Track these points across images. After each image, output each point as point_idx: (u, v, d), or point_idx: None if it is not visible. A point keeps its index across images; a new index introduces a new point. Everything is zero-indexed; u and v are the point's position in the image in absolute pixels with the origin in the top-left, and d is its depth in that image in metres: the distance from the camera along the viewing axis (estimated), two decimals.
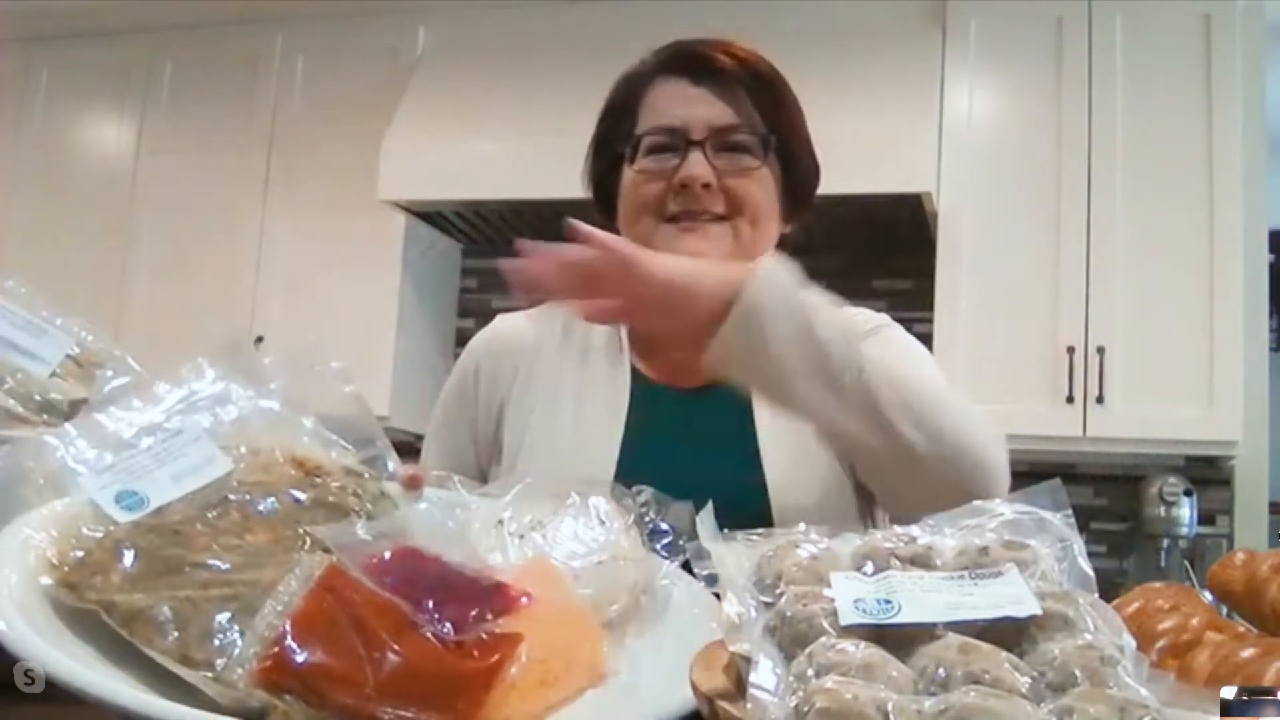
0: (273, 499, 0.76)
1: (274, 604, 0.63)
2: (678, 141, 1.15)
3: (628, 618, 0.79)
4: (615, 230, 1.24)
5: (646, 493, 0.88)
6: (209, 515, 0.73)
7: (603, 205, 1.26)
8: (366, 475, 0.85)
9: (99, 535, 0.70)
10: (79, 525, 0.70)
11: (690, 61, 1.19)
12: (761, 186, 1.17)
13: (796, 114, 1.22)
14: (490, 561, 0.77)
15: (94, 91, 3.66)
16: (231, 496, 0.75)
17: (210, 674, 0.61)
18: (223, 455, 0.78)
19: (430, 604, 0.65)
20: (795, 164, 1.21)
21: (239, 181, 3.42)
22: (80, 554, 0.68)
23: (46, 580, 0.67)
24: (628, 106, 1.21)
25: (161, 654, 0.63)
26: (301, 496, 0.77)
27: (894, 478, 1.01)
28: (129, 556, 0.67)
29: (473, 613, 0.66)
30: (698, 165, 1.13)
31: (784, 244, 1.27)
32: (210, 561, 0.68)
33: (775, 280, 0.92)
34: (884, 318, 1.24)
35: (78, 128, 3.68)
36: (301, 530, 0.73)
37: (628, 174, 1.19)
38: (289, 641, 0.60)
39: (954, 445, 0.95)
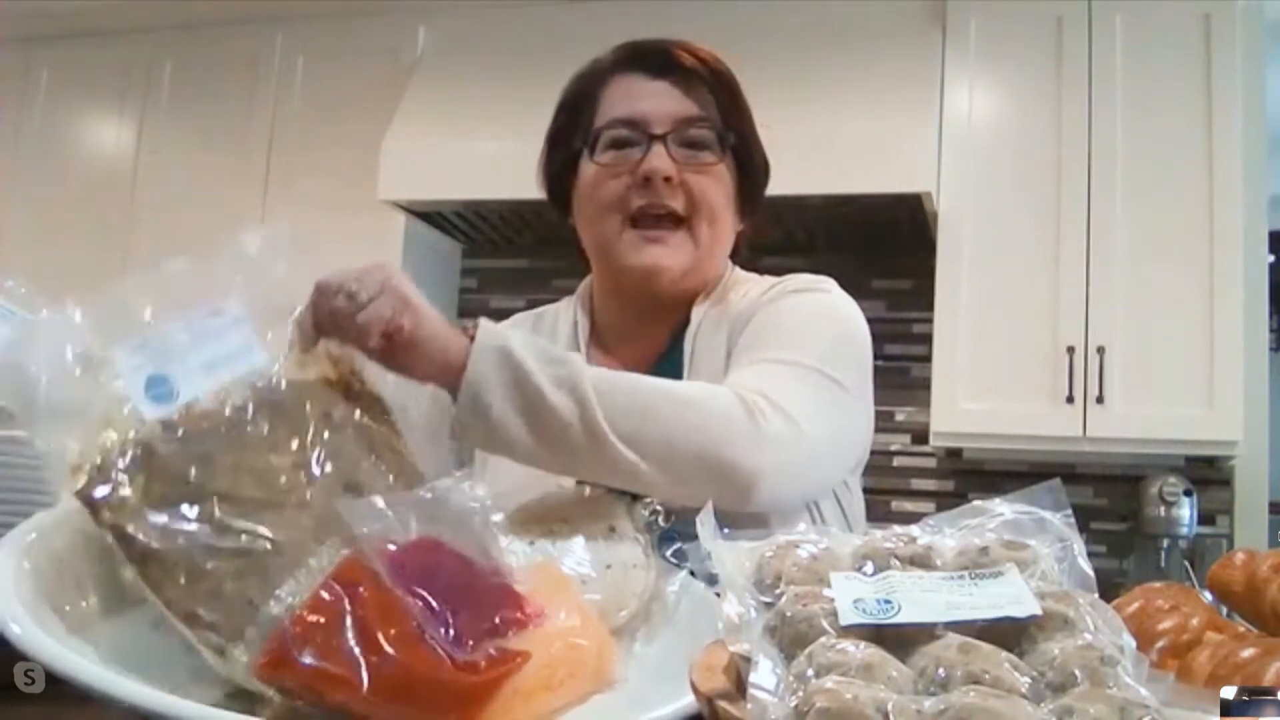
0: (305, 406, 0.73)
1: (285, 592, 0.63)
2: (639, 135, 1.15)
3: (636, 625, 0.79)
4: (571, 226, 1.25)
5: (656, 501, 0.88)
6: (236, 426, 0.71)
7: (558, 202, 1.26)
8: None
9: (123, 439, 0.68)
10: (103, 425, 0.69)
11: (650, 56, 1.19)
12: (719, 184, 1.18)
13: (749, 114, 1.23)
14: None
15: (94, 91, 3.66)
16: (262, 401, 0.73)
17: (212, 645, 0.60)
18: (260, 349, 0.77)
19: (443, 609, 0.64)
20: (750, 162, 1.22)
21: (239, 181, 3.42)
22: (99, 461, 0.67)
23: (66, 494, 0.65)
24: (585, 101, 1.21)
25: (168, 603, 0.62)
26: (333, 413, 0.75)
27: (656, 495, 0.96)
28: (149, 472, 0.66)
29: (484, 625, 0.65)
30: (660, 159, 1.14)
31: (740, 242, 1.27)
32: (229, 491, 0.67)
33: (493, 355, 0.90)
34: (804, 281, 1.21)
35: (78, 128, 3.68)
36: (325, 465, 0.71)
37: (587, 169, 1.19)
38: (290, 638, 0.60)
39: (690, 467, 0.93)
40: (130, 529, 0.64)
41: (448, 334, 0.90)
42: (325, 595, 0.62)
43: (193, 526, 0.65)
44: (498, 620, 0.66)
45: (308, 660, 0.59)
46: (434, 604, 0.64)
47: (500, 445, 0.91)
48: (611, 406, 0.91)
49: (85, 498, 0.65)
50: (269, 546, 0.66)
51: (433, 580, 0.66)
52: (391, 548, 0.67)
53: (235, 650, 0.61)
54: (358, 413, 0.78)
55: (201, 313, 0.77)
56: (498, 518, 0.84)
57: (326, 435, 0.74)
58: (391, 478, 0.78)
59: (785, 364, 1.05)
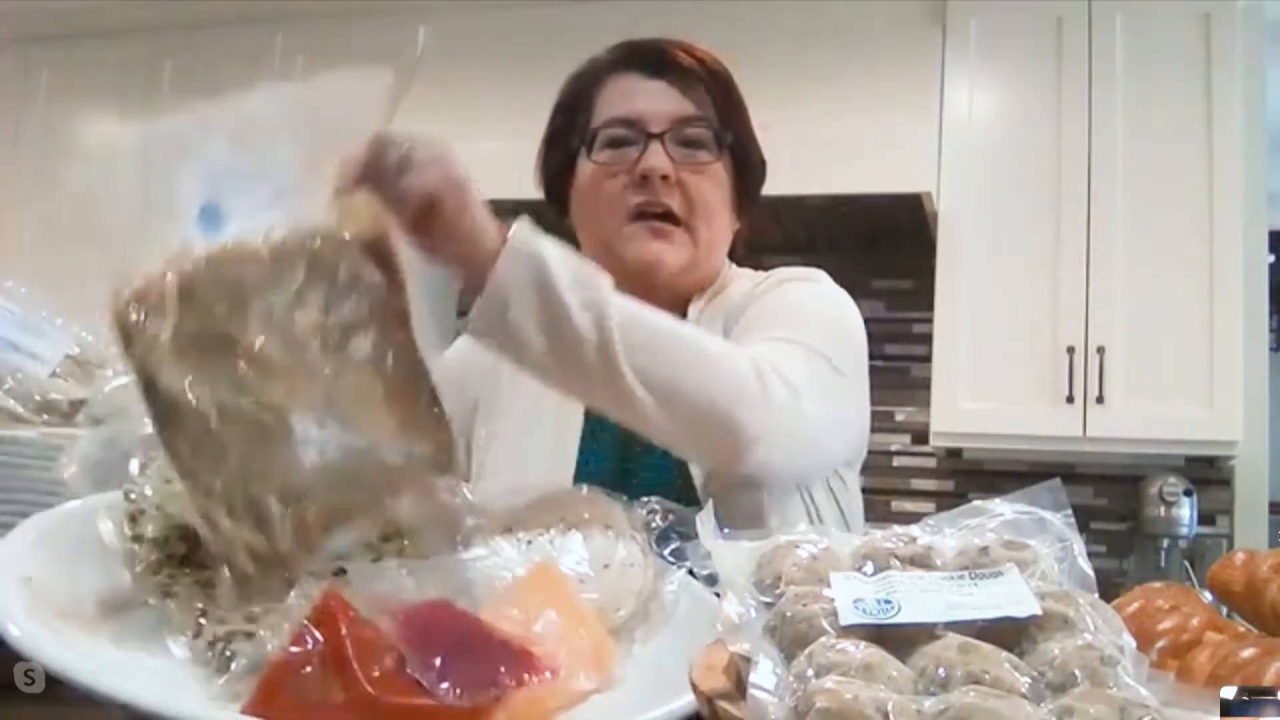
0: (339, 263, 0.73)
1: (270, 630, 0.63)
2: (636, 134, 1.16)
3: (635, 624, 0.78)
4: (569, 226, 1.25)
5: (654, 500, 0.88)
6: (274, 273, 0.70)
7: (555, 203, 1.26)
8: None
9: (166, 269, 0.67)
10: (150, 250, 0.68)
11: (647, 56, 1.20)
12: (715, 183, 1.18)
13: (746, 114, 1.23)
14: (498, 569, 0.76)
15: (94, 91, 3.66)
16: (301, 249, 0.72)
17: (204, 510, 0.62)
18: (314, 192, 0.76)
19: (437, 655, 0.63)
20: (746, 161, 1.22)
21: None
22: (140, 288, 0.67)
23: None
24: (582, 101, 1.21)
25: (173, 452, 0.63)
26: (362, 277, 0.74)
27: (655, 436, 0.97)
28: (184, 308, 0.66)
29: (484, 676, 0.64)
30: (657, 157, 1.14)
31: (738, 241, 1.27)
32: (254, 347, 0.67)
33: (524, 259, 0.87)
34: (797, 272, 1.21)
35: (78, 128, 3.68)
36: (342, 330, 0.72)
37: (585, 168, 1.19)
38: (273, 679, 0.60)
39: (694, 414, 0.92)
40: (155, 367, 0.64)
41: (486, 227, 0.87)
42: (312, 631, 0.61)
43: (215, 381, 0.65)
44: (501, 671, 0.65)
45: (289, 698, 0.59)
46: (427, 649, 0.63)
47: (512, 351, 0.89)
48: (631, 339, 0.89)
49: (120, 323, 0.65)
50: (275, 420, 0.67)
51: (436, 634, 0.64)
52: (399, 603, 0.66)
53: (225, 521, 0.62)
54: (383, 281, 0.76)
55: (269, 147, 0.76)
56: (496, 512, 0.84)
57: (351, 299, 0.74)
58: (390, 360, 0.77)
59: (788, 342, 1.05)
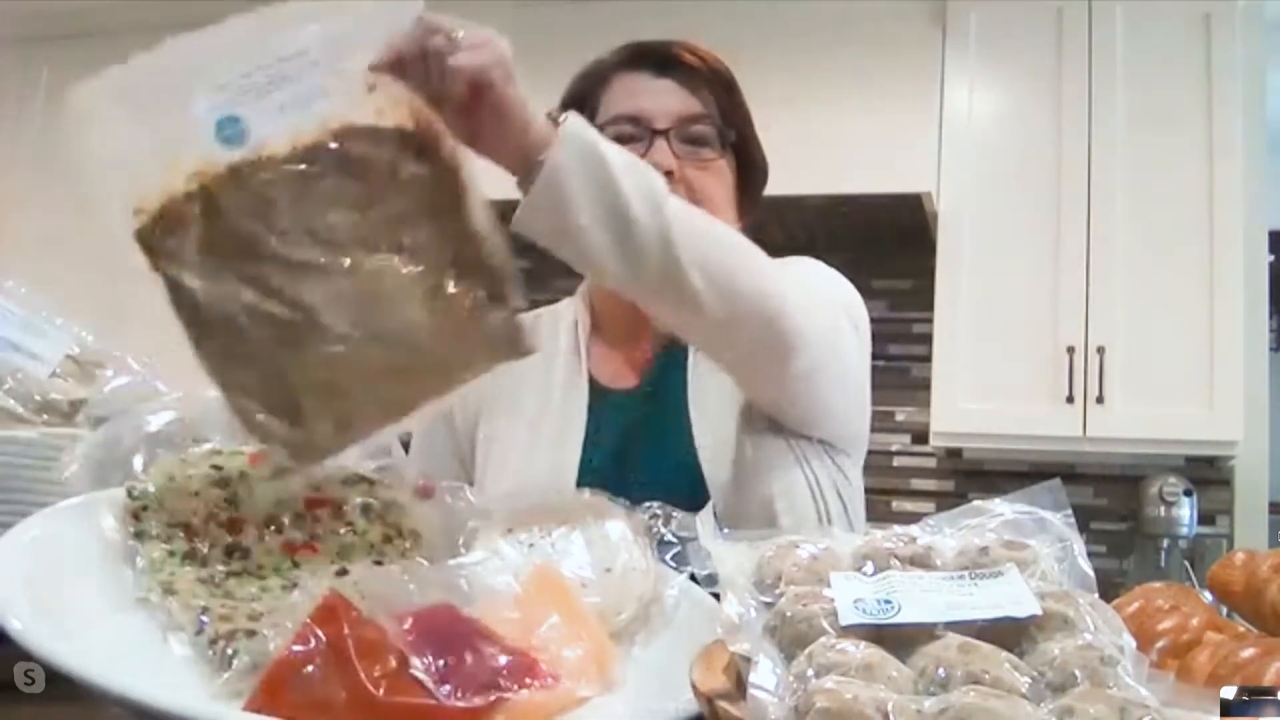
0: (374, 157, 0.72)
1: (273, 629, 0.63)
2: (641, 131, 1.16)
3: (636, 628, 0.79)
4: None
5: (656, 505, 0.88)
6: (303, 174, 0.70)
7: None
8: (380, 482, 0.84)
9: (189, 184, 0.68)
10: (171, 168, 0.68)
11: (652, 56, 1.21)
12: (719, 180, 1.19)
13: (748, 113, 1.25)
14: (497, 570, 0.77)
15: None
16: (331, 146, 0.71)
17: (243, 409, 0.63)
18: (335, 92, 0.74)
19: (440, 662, 0.63)
20: (750, 160, 1.24)
21: None
22: (163, 205, 0.67)
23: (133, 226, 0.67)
24: (587, 100, 1.22)
25: (206, 358, 0.64)
26: (400, 170, 0.73)
27: (700, 342, 1.01)
28: (209, 220, 0.67)
29: (484, 679, 0.64)
30: (662, 153, 1.15)
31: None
32: (283, 253, 0.67)
33: (578, 146, 0.87)
34: (790, 259, 1.23)
35: None
36: (379, 224, 0.71)
37: None
38: (275, 676, 0.60)
39: (747, 305, 0.94)
40: (184, 278, 0.64)
41: (533, 113, 0.86)
42: (315, 630, 0.62)
43: (242, 287, 0.66)
44: (502, 675, 0.65)
45: (292, 696, 0.59)
46: (428, 652, 0.63)
47: (566, 237, 0.88)
48: (687, 228, 0.91)
49: (144, 241, 0.66)
50: (305, 320, 0.67)
51: (437, 637, 0.65)
52: (401, 606, 0.66)
53: (259, 416, 0.62)
54: (429, 172, 0.75)
55: (285, 53, 0.75)
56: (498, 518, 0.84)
57: (392, 194, 0.73)
58: (447, 250, 0.75)
59: (813, 296, 1.08)
